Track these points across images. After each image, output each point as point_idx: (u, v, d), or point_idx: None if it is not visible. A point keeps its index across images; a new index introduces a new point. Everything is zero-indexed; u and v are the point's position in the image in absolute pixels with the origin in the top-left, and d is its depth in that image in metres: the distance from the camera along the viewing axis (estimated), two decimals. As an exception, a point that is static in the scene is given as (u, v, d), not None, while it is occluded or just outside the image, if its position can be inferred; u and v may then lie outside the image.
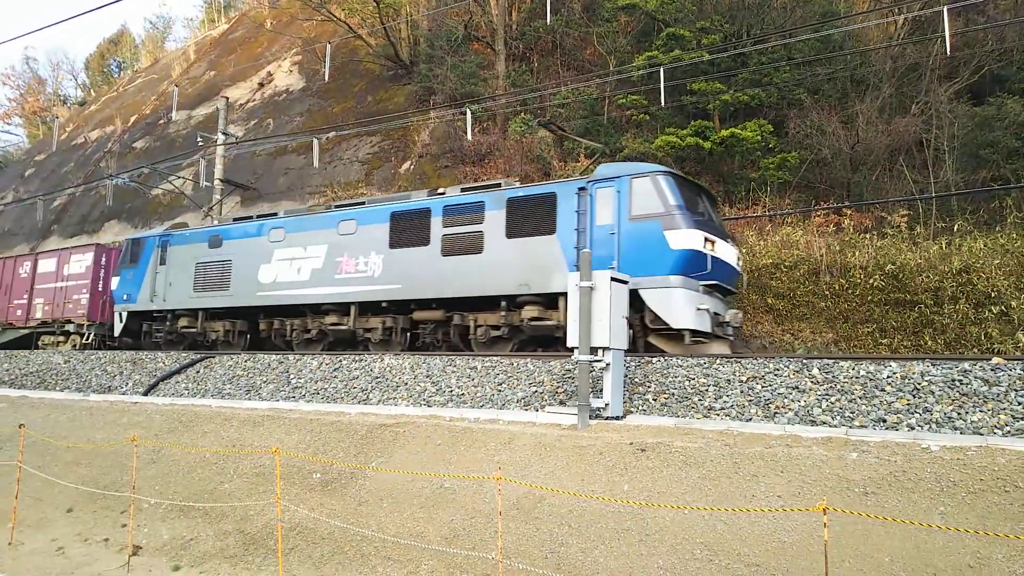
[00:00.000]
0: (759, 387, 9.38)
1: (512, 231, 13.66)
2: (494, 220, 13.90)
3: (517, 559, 6.78)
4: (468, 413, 9.95)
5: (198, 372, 15.32)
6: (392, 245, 15.09)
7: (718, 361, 10.35)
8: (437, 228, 14.55)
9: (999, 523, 5.88)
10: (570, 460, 7.92)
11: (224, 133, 22.49)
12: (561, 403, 9.99)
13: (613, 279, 9.35)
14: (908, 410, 8.22)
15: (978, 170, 19.45)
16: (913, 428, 7.94)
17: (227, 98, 25.44)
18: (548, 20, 16.36)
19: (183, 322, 18.69)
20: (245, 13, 46.70)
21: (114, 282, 20.52)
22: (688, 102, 22.24)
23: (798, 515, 6.28)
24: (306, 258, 16.31)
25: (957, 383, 8.41)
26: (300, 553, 8.25)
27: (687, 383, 9.86)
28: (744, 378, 9.65)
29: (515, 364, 11.48)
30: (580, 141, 22.17)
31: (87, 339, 21.80)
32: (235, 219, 19.14)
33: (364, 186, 26.10)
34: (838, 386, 8.96)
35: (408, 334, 15.53)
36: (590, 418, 8.88)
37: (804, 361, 9.82)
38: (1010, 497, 6.26)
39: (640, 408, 9.56)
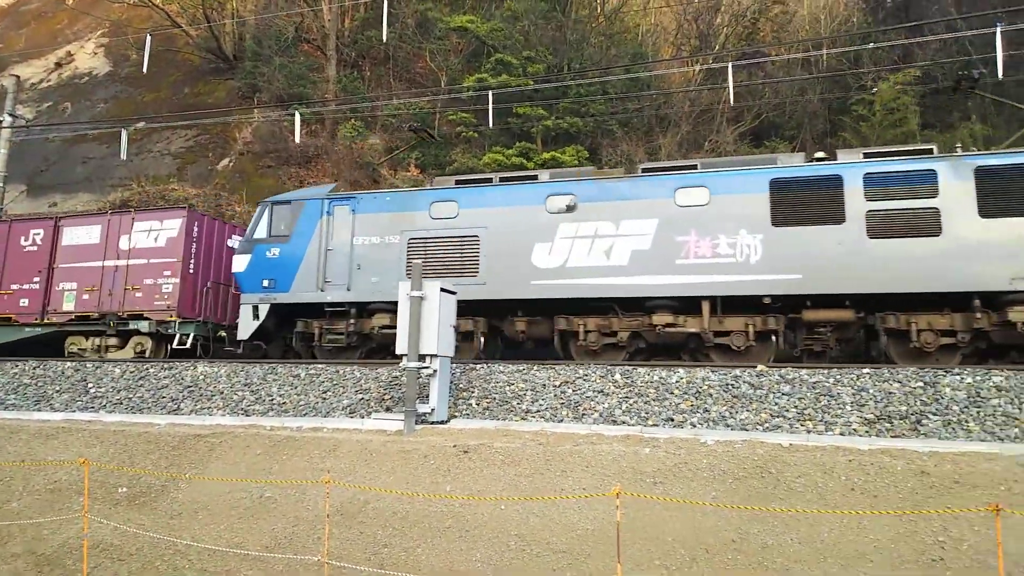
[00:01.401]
0: (570, 391, 10.33)
1: (988, 210, 10.86)
2: (955, 193, 11.05)
3: (341, 561, 7.02)
4: (290, 422, 9.95)
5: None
6: (777, 222, 11.71)
7: (535, 368, 11.22)
8: (856, 201, 11.41)
9: (756, 503, 7.08)
10: (395, 464, 8.28)
11: (11, 115, 20.18)
12: (388, 410, 10.32)
13: (443, 290, 9.89)
14: (692, 410, 9.52)
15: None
16: (695, 426, 9.23)
17: (17, 76, 22.84)
18: (384, 36, 16.59)
19: (380, 320, 13.40)
20: (42, -18, 42.02)
21: (238, 262, 14.52)
22: (514, 124, 23.50)
23: (598, 504, 7.13)
24: (619, 236, 12.33)
25: (730, 387, 9.87)
26: (104, 571, 7.86)
27: (507, 388, 10.60)
28: (557, 383, 10.58)
29: (341, 372, 11.60)
30: (414, 151, 22.68)
31: (180, 342, 15.22)
32: (472, 180, 14.29)
33: (176, 181, 24.60)
34: (636, 390, 10.12)
35: (776, 338, 11.91)
36: (416, 423, 9.31)
37: (608, 367, 10.94)
38: (765, 481, 7.57)
39: (464, 412, 10.14)
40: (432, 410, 9.55)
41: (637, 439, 8.63)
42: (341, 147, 24.74)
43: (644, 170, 13.05)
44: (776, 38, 27.42)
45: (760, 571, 6.38)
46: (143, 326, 15.47)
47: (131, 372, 12.90)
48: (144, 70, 17.51)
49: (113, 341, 15.85)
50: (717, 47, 26.62)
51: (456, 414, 10.13)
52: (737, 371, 10.34)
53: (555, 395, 10.29)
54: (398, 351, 9.79)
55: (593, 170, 14.00)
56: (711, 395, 9.75)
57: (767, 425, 8.98)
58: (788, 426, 8.92)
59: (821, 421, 8.94)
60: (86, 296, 16.01)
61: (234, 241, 16.83)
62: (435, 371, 9.66)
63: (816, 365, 10.78)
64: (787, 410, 9.20)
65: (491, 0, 26.99)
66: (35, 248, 16.71)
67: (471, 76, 24.33)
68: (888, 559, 6.32)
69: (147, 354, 15.36)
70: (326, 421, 9.97)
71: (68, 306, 16.18)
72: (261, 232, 14.49)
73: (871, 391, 9.31)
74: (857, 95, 21.90)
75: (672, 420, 9.39)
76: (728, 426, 9.11)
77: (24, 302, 16.49)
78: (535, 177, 13.59)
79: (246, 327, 14.11)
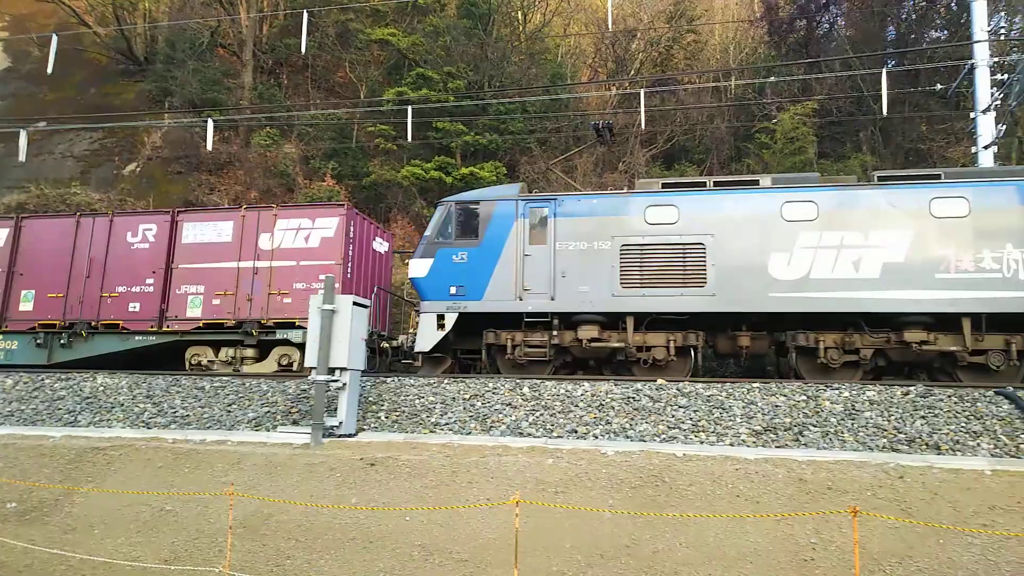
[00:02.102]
0: (479, 404, 10.56)
1: None
2: None
3: (243, 573, 7.00)
4: (194, 435, 9.77)
5: None
6: None
7: (445, 381, 11.39)
8: None
9: (650, 511, 7.48)
10: (301, 478, 8.29)
11: None
12: (295, 423, 10.26)
13: (355, 303, 9.94)
14: (595, 422, 9.91)
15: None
16: (597, 437, 9.61)
17: None
18: (304, 47, 16.49)
19: (587, 332, 12.55)
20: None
21: (418, 267, 13.23)
22: (433, 138, 23.70)
23: (500, 513, 7.37)
24: (868, 247, 11.66)
25: (632, 399, 10.34)
26: (-12, 590, 7.56)
27: (417, 401, 10.74)
28: (467, 396, 10.79)
29: (247, 385, 11.45)
30: (330, 161, 22.46)
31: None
32: (684, 184, 13.29)
33: (78, 185, 23.52)
34: (543, 402, 10.46)
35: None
36: (324, 436, 9.31)
37: (517, 381, 11.23)
38: (659, 490, 7.99)
39: (373, 425, 10.21)
40: (340, 423, 9.57)
41: (542, 450, 8.92)
42: (255, 155, 24.29)
43: (880, 179, 12.42)
44: (688, 65, 28.73)
45: (651, 574, 6.76)
46: (294, 335, 13.73)
47: (24, 383, 12.33)
48: (49, 70, 16.66)
49: (250, 353, 14.12)
50: (632, 72, 27.65)
51: (365, 427, 10.18)
52: (638, 384, 10.83)
53: (464, 408, 10.50)
54: (307, 364, 9.78)
55: (819, 177, 13.32)
56: (613, 407, 10.17)
57: (664, 436, 9.45)
58: (683, 437, 9.40)
59: (713, 432, 9.46)
60: (217, 301, 14.13)
61: (380, 243, 15.85)
62: (344, 384, 9.70)
63: (714, 380, 11.40)
64: (683, 422, 9.70)
65: (413, 14, 27.17)
66: (146, 246, 14.63)
67: (391, 89, 24.42)
68: (767, 560, 6.82)
69: (294, 367, 13.77)
70: (231, 434, 9.83)
71: (193, 312, 14.16)
72: (444, 234, 13.30)
73: (759, 404, 9.95)
74: (761, 123, 23.21)
75: (576, 432, 9.74)
76: (628, 437, 9.53)
77: (134, 307, 14.41)
78: (756, 182, 12.93)
79: (429, 337, 12.85)
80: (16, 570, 7.63)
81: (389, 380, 11.49)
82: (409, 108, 18.94)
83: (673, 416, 9.84)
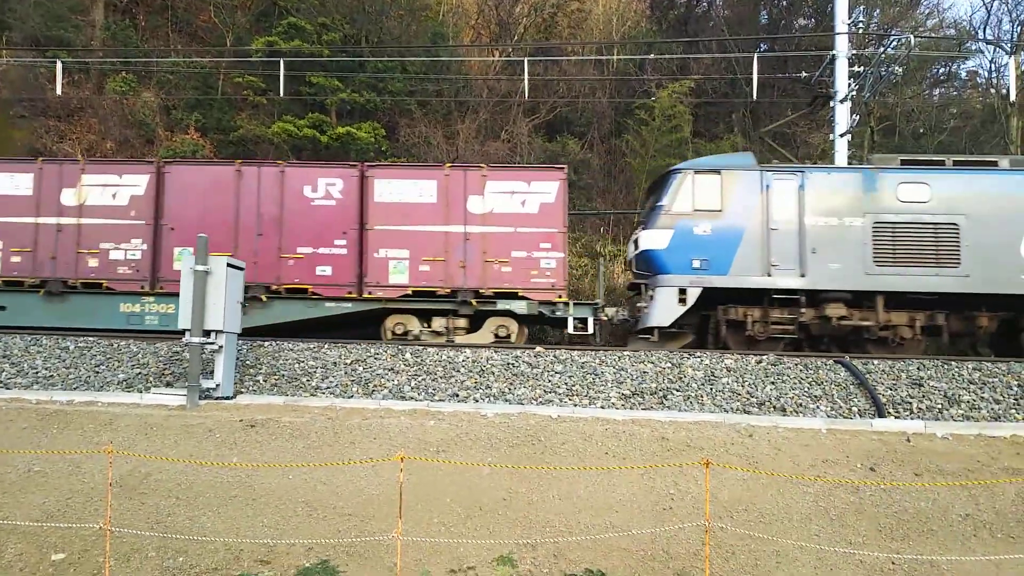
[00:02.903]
0: (361, 369, 10.64)
1: None
2: None
3: (123, 529, 6.83)
4: (60, 395, 9.27)
5: None
6: None
7: (326, 346, 11.33)
8: None
9: (527, 466, 7.92)
10: (179, 438, 8.10)
11: None
12: (168, 384, 9.91)
13: (229, 264, 9.67)
14: (475, 387, 10.27)
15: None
16: (477, 401, 9.98)
17: None
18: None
19: (836, 310, 12.24)
20: None
21: (654, 238, 12.62)
22: (306, 93, 22.78)
23: (384, 471, 7.57)
24: None
25: (511, 366, 10.78)
26: None
27: (297, 365, 10.65)
28: (348, 361, 10.82)
29: (115, 345, 10.88)
30: (194, 112, 21.11)
31: (575, 327, 13.00)
32: (926, 162, 13.03)
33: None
34: (425, 368, 10.69)
35: None
36: (200, 399, 9.09)
37: (400, 347, 11.38)
38: (535, 448, 8.48)
39: (251, 389, 10.05)
40: (217, 385, 9.37)
41: (424, 412, 9.19)
42: (109, 102, 22.41)
43: None
44: (572, 35, 29.19)
45: (526, 524, 7.21)
46: (518, 307, 13.05)
47: None
48: None
49: (462, 323, 13.20)
50: (516, 37, 27.77)
51: (243, 390, 10.00)
52: (517, 351, 11.28)
53: (346, 373, 10.54)
54: (180, 326, 9.45)
55: None
56: (493, 373, 10.57)
57: (541, 400, 9.96)
58: (559, 401, 9.96)
59: (586, 396, 10.08)
60: (425, 268, 13.12)
61: None
62: (220, 347, 9.47)
63: (586, 347, 12.05)
64: (559, 387, 10.25)
65: (286, -42, 25.72)
66: (332, 203, 13.26)
67: (260, 38, 23.12)
68: (631, 509, 7.44)
69: (512, 338, 13.10)
70: (100, 395, 9.38)
71: (398, 278, 13.10)
72: (683, 204, 12.72)
73: (629, 370, 10.66)
74: (641, 100, 24.02)
75: (457, 396, 10.07)
76: (507, 401, 9.97)
77: (323, 270, 13.16)
78: (995, 163, 12.94)
79: (667, 312, 12.41)
80: None
81: (266, 344, 11.29)
82: (281, 61, 18.18)
83: (550, 381, 10.37)
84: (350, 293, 13.12)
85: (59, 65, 15.76)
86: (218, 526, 6.81)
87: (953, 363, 10.84)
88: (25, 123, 21.66)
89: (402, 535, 6.22)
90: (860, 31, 21.86)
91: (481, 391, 10.17)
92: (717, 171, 12.87)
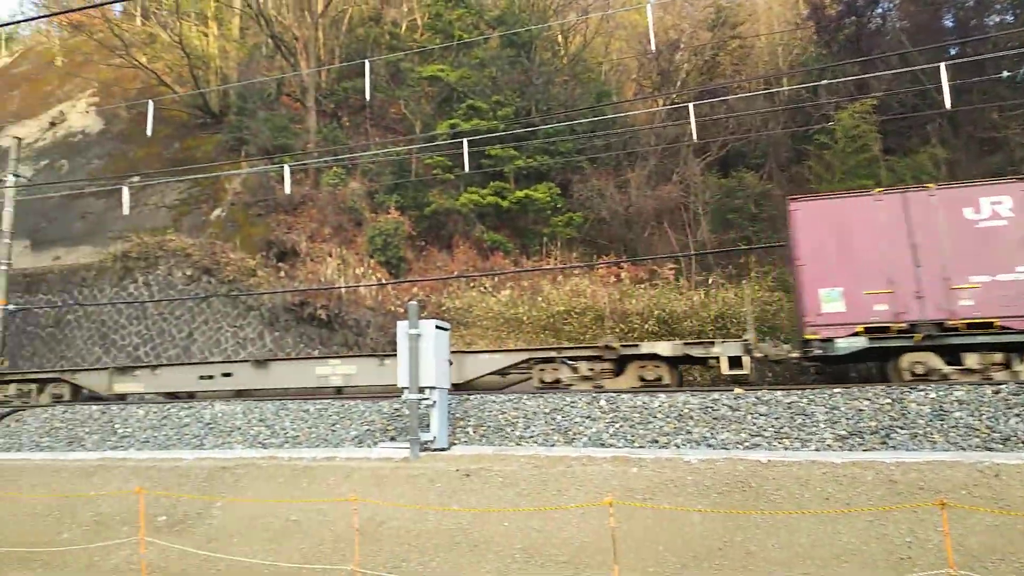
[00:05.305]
0: (560, 417, 10.93)
1: None
2: None
3: (368, 571, 7.58)
4: (305, 453, 10.55)
5: (8, 427, 14.26)
6: None
7: (524, 397, 11.81)
8: None
9: (741, 511, 7.68)
10: (405, 489, 8.86)
11: (16, 175, 20.32)
12: (392, 439, 10.87)
13: (437, 327, 10.53)
14: (675, 432, 10.14)
15: (727, 231, 23.42)
16: (678, 446, 9.83)
17: (19, 138, 23.20)
18: (367, 95, 17.39)
19: None
20: (31, 48, 42.80)
21: None
22: (487, 165, 24.40)
23: (593, 517, 7.71)
24: None
25: (710, 409, 10.52)
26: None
27: (500, 416, 11.19)
28: (547, 410, 11.18)
29: (346, 406, 12.18)
30: (393, 194, 23.32)
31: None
32: None
33: (172, 232, 25.19)
34: (621, 415, 10.75)
35: None
36: (420, 451, 9.88)
37: (594, 395, 11.56)
38: (746, 495, 8.15)
39: (463, 440, 10.71)
40: (434, 438, 10.13)
41: (625, 459, 9.19)
42: (324, 193, 25.44)
43: None
44: (736, 71, 28.65)
45: (745, 574, 6.97)
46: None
47: (154, 412, 13.50)
48: (149, 132, 17.92)
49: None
50: (678, 83, 27.80)
51: (455, 441, 10.68)
52: (715, 395, 11.01)
53: (546, 422, 10.88)
54: (399, 384, 10.40)
55: None
56: (692, 417, 10.38)
57: (747, 444, 9.60)
58: (766, 444, 9.53)
59: (797, 439, 9.54)
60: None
61: None
62: (434, 402, 10.26)
63: (791, 387, 11.46)
64: (764, 429, 9.83)
65: (459, 49, 28.08)
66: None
67: (444, 121, 25.27)
68: (861, 559, 6.93)
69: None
70: (338, 451, 10.56)
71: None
72: None
73: (843, 409, 9.97)
74: (818, 124, 22.92)
75: (656, 442, 9.99)
76: (710, 445, 9.72)
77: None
78: None
79: None
80: (174, 573, 8.57)
81: (472, 398, 12.00)
82: (465, 141, 19.58)
83: (754, 424, 9.99)
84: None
85: (287, 169, 18.07)
86: (448, 570, 7.33)
87: None
88: (261, 220, 25.13)
89: (621, 583, 6.27)
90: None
91: (681, 436, 10.02)
92: None
